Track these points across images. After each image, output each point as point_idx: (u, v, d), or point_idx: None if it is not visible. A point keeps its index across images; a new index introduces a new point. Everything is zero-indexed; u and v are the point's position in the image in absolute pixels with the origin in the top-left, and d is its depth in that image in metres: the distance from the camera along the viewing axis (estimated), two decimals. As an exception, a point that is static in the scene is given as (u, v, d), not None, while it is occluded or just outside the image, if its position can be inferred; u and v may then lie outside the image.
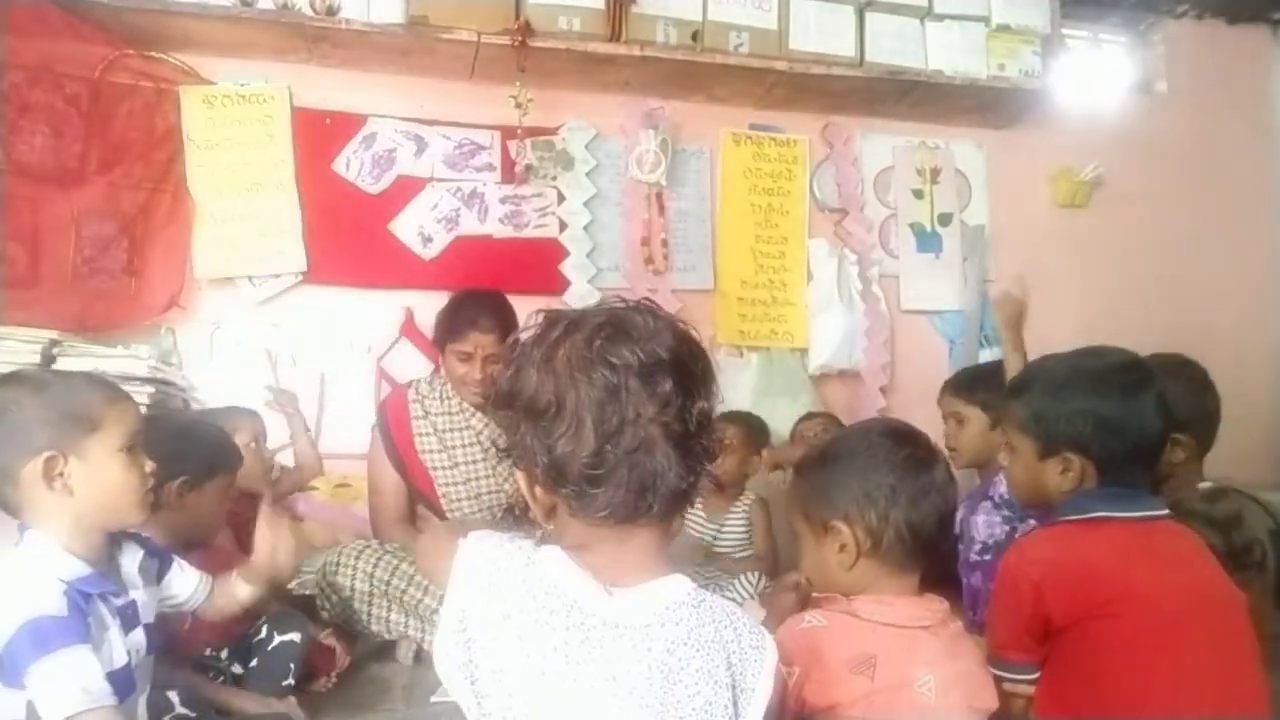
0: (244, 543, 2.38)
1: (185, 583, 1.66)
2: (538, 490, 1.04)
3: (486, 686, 0.97)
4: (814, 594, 1.51)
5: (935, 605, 1.39)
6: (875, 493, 1.36)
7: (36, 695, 1.33)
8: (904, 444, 1.41)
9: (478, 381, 2.52)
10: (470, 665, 0.99)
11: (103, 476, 1.45)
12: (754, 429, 2.92)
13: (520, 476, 1.07)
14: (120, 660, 1.45)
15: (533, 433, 1.01)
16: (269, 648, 1.97)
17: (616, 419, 0.97)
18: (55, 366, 2.59)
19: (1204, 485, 2.07)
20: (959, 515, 2.43)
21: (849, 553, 1.38)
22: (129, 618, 1.50)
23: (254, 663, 1.98)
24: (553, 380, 1.00)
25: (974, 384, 2.48)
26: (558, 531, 1.07)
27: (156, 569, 1.63)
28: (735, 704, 1.02)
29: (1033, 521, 2.02)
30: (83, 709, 1.32)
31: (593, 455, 0.97)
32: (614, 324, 1.01)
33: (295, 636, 1.99)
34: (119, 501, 1.48)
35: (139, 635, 1.52)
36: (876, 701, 1.28)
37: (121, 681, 1.44)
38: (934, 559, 1.42)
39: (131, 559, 1.58)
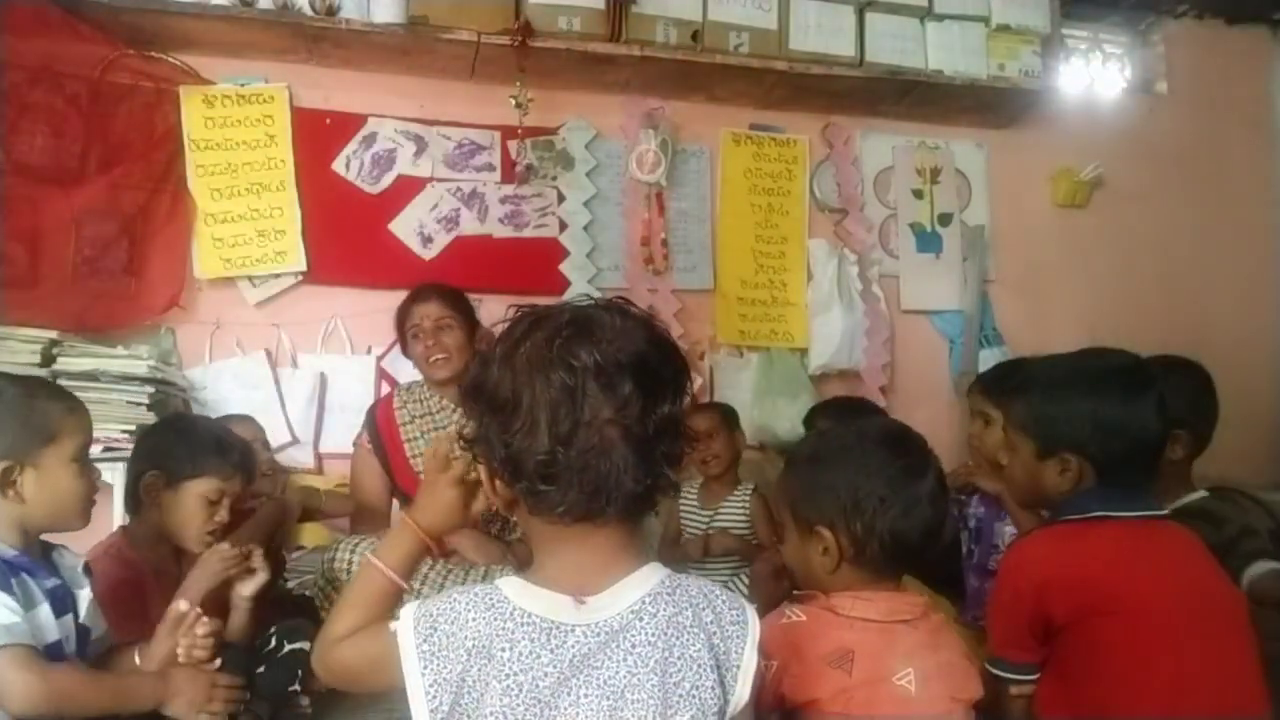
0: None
1: (98, 624, 1.63)
2: (498, 483, 1.05)
3: None
4: (794, 590, 1.52)
5: (914, 599, 1.40)
6: (864, 502, 1.36)
7: None
8: (899, 453, 1.40)
9: (436, 347, 2.56)
10: None
11: (54, 486, 1.51)
12: (725, 412, 2.93)
13: (482, 469, 1.08)
14: (52, 636, 1.46)
15: (492, 426, 1.02)
16: (278, 655, 1.97)
17: (570, 421, 0.97)
18: (55, 366, 2.61)
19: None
20: (979, 515, 2.43)
21: (831, 557, 1.38)
22: (60, 600, 1.51)
23: (261, 669, 1.96)
24: (511, 377, 1.00)
25: (1004, 384, 2.47)
26: (523, 527, 1.08)
27: (88, 586, 1.63)
28: (722, 683, 1.02)
29: None
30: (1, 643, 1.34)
31: (546, 454, 0.97)
32: (577, 324, 1.01)
33: (305, 645, 1.98)
34: (66, 509, 1.54)
35: (71, 624, 1.53)
36: (855, 696, 1.29)
37: (55, 659, 1.45)
38: (916, 567, 1.42)
39: (72, 564, 1.60)
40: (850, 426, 1.56)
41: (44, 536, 1.58)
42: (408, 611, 1.02)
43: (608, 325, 1.01)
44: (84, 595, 1.58)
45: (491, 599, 1.00)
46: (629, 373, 0.98)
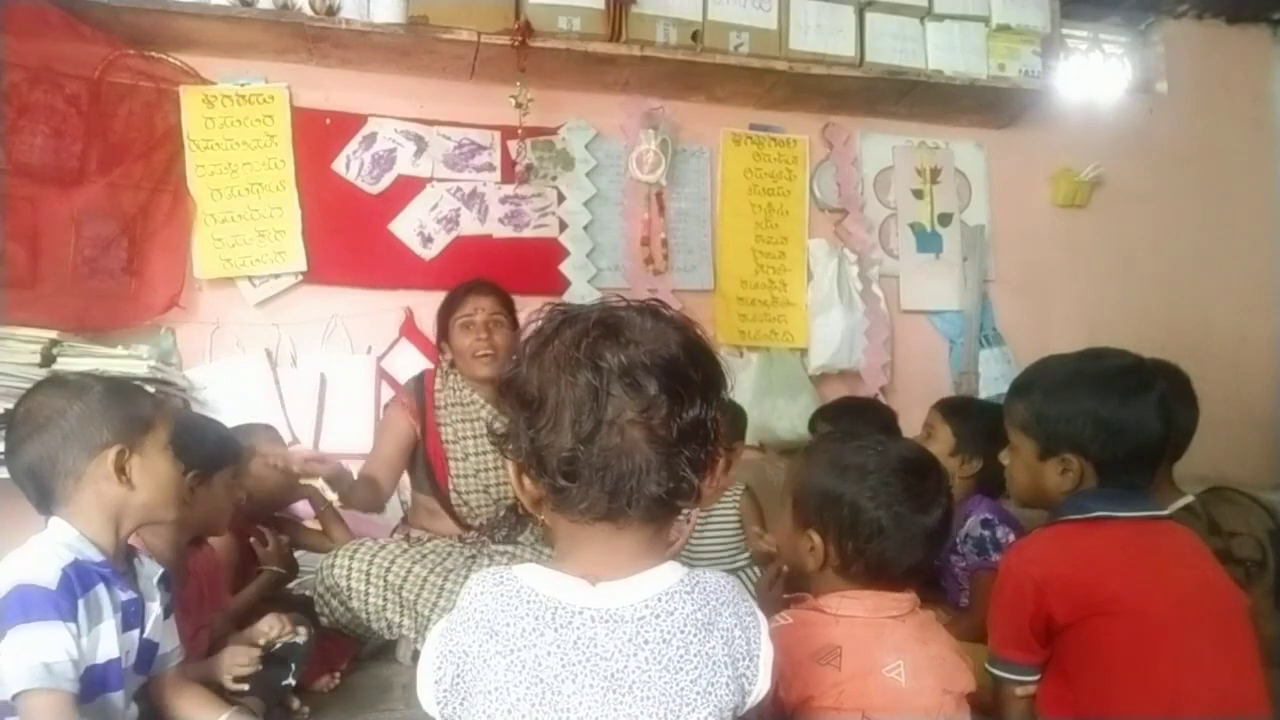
0: (251, 552, 2.40)
1: (169, 639, 1.64)
2: (525, 481, 1.05)
3: (481, 708, 0.97)
4: (783, 595, 1.57)
5: (902, 596, 1.41)
6: (862, 527, 1.38)
7: (4, 661, 1.33)
8: (912, 486, 1.40)
9: (485, 343, 2.54)
10: (465, 699, 0.99)
11: (156, 472, 1.54)
12: (729, 418, 2.91)
13: (510, 466, 1.08)
14: (109, 653, 1.45)
15: (520, 421, 1.03)
16: (272, 650, 1.97)
17: (592, 420, 0.97)
18: (55, 367, 2.60)
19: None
20: None
21: (815, 558, 1.42)
22: (130, 615, 1.50)
23: None
24: (539, 374, 1.01)
25: (958, 410, 2.48)
26: (549, 526, 1.09)
27: (168, 601, 1.63)
28: (739, 679, 1.03)
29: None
30: (38, 686, 1.32)
31: (568, 451, 0.98)
32: (607, 324, 1.01)
33: (298, 640, 2.00)
34: (164, 496, 1.56)
35: (135, 638, 1.52)
36: (847, 690, 1.30)
37: (104, 676, 1.44)
38: (903, 587, 1.43)
39: (150, 573, 1.60)
40: (880, 445, 1.49)
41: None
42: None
43: (637, 327, 1.01)
44: (153, 609, 1.57)
45: (501, 577, 1.03)
46: (655, 375, 0.98)
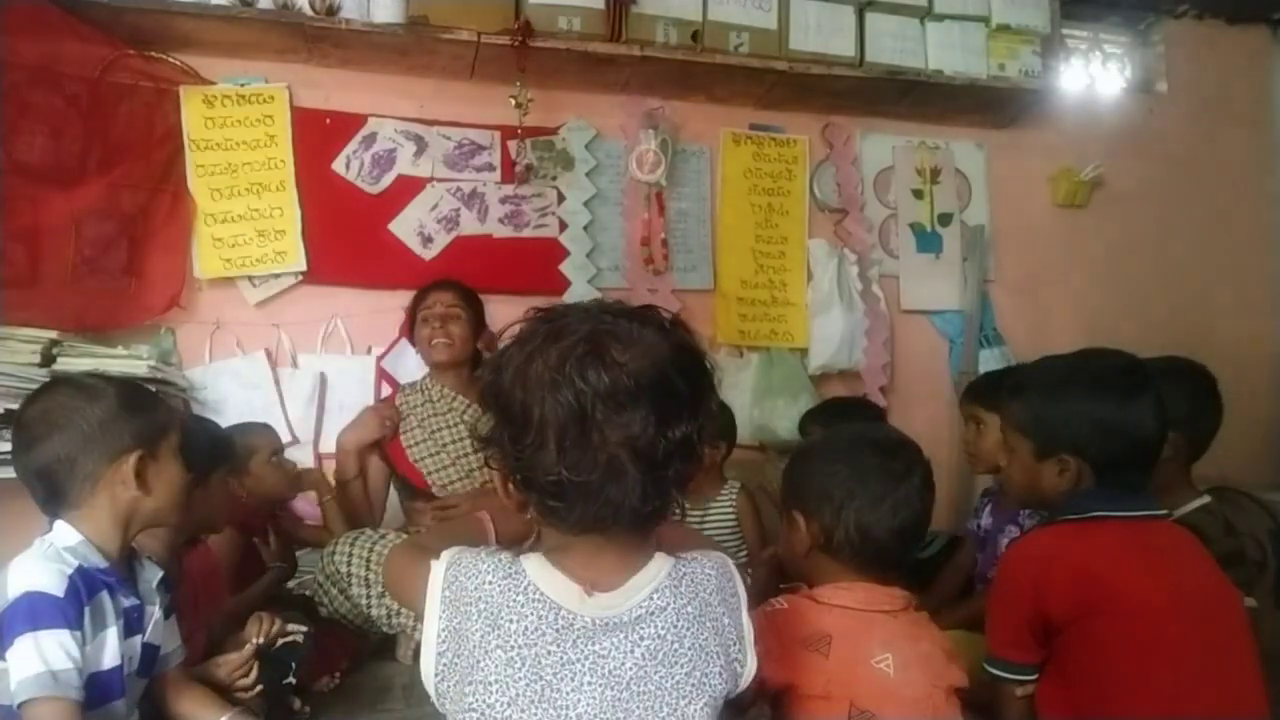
0: (252, 549, 2.42)
1: (170, 639, 1.64)
2: (510, 487, 1.06)
3: (479, 698, 0.98)
4: (781, 585, 1.62)
5: (896, 592, 1.44)
6: (833, 492, 1.43)
7: (11, 668, 1.33)
8: (879, 453, 1.46)
9: (440, 331, 2.73)
10: (460, 682, 0.99)
11: (169, 477, 1.54)
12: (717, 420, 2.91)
13: (495, 473, 1.08)
14: (112, 662, 1.44)
15: (505, 434, 1.02)
16: (271, 649, 1.97)
17: (578, 446, 0.96)
18: (55, 367, 2.60)
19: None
20: (986, 526, 2.44)
21: (802, 542, 1.46)
22: (133, 621, 1.50)
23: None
24: (523, 391, 1.00)
25: (996, 390, 2.47)
26: (539, 527, 1.09)
27: (168, 602, 1.63)
28: (730, 665, 1.05)
29: None
30: (44, 694, 1.32)
31: (554, 475, 0.98)
32: (593, 341, 0.99)
33: (298, 636, 1.99)
34: (174, 501, 1.56)
35: (137, 644, 1.52)
36: (835, 679, 1.33)
37: (108, 684, 1.44)
38: (893, 567, 1.46)
39: (150, 577, 1.60)
40: (852, 428, 1.62)
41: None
42: (447, 555, 1.06)
43: (626, 341, 0.99)
44: (153, 612, 1.57)
45: (511, 569, 1.03)
46: (644, 396, 0.97)
